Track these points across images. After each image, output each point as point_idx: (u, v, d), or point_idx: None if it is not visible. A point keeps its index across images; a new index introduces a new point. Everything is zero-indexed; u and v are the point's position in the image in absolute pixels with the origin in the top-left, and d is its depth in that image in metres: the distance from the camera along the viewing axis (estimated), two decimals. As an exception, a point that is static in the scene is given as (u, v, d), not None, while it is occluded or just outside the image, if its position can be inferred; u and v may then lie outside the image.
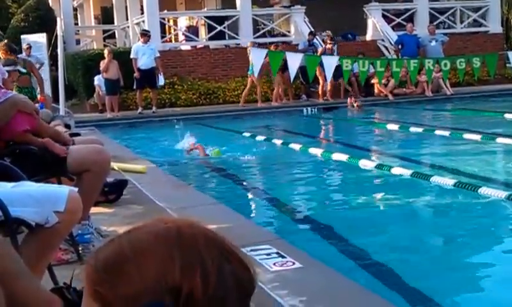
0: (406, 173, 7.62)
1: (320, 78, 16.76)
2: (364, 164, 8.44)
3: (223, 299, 0.91)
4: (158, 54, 15.97)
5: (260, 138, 11.81)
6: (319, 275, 3.57)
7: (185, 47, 19.41)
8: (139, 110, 15.93)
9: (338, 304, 3.10)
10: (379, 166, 8.23)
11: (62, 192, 2.83)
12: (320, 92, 17.24)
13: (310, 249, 4.25)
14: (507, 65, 18.45)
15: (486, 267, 4.62)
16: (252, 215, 5.82)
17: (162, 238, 0.93)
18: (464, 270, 4.58)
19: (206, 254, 0.92)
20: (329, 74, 16.07)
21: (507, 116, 13.52)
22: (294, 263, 3.71)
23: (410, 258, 4.75)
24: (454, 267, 4.65)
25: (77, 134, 5.55)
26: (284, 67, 16.30)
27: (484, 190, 6.40)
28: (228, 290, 0.91)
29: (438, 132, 11.46)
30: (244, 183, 7.76)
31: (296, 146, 10.37)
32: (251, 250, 4.01)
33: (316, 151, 9.74)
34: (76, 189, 2.99)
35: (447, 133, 11.28)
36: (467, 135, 10.70)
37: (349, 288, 3.36)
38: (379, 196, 6.65)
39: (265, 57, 15.94)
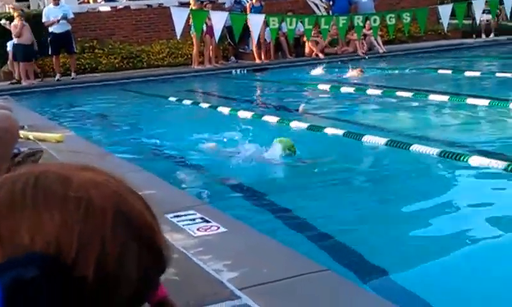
0: (338, 132, 7.72)
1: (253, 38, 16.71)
2: (295, 125, 8.49)
3: (117, 285, 0.85)
4: (72, 16, 15.52)
5: (186, 102, 11.72)
6: (243, 238, 3.57)
7: (105, 8, 18.91)
8: (57, 76, 15.52)
9: (263, 266, 3.10)
10: (310, 127, 8.29)
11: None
12: (255, 53, 17.20)
13: (237, 213, 4.25)
14: (440, 21, 18.82)
15: (418, 222, 4.71)
16: (177, 181, 5.76)
17: (67, 204, 0.85)
18: (396, 226, 4.67)
19: (110, 234, 0.85)
20: (257, 33, 16.02)
21: (441, 72, 13.89)
22: (218, 228, 3.69)
23: (338, 216, 4.81)
24: (386, 224, 4.74)
25: (-18, 101, 5.32)
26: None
27: (416, 147, 6.55)
28: (126, 277, 0.86)
29: (370, 91, 11.64)
30: (169, 149, 7.68)
31: (224, 110, 10.34)
32: (175, 216, 3.97)
33: (246, 114, 9.74)
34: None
35: (379, 91, 11.46)
36: (399, 93, 10.91)
37: (275, 249, 3.37)
38: (309, 156, 6.68)
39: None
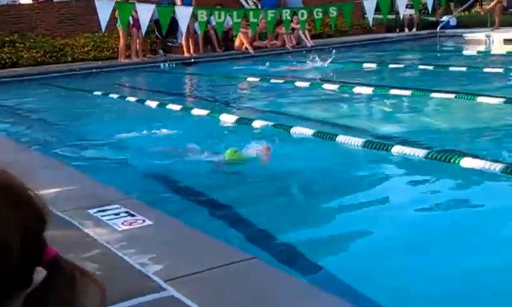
0: (267, 124, 7.76)
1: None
2: (225, 118, 8.48)
3: (5, 249, 0.88)
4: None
5: (113, 96, 11.54)
6: (169, 230, 3.54)
7: (26, 0, 18.38)
8: (-24, 72, 15.03)
9: (190, 258, 3.08)
10: (239, 120, 8.30)
11: None
12: (184, 47, 17.09)
13: (164, 207, 4.20)
14: (365, 15, 19.17)
15: (344, 211, 4.79)
16: (102, 176, 5.64)
17: None
18: (323, 215, 4.72)
19: None
20: (184, 26, 15.91)
21: (366, 65, 14.15)
22: (144, 221, 3.65)
23: (264, 206, 4.84)
24: (313, 213, 4.79)
25: None
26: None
27: (341, 139, 6.65)
28: (9, 238, 0.88)
29: (298, 84, 11.75)
30: (94, 144, 7.54)
31: (152, 103, 10.25)
32: (99, 211, 3.90)
33: (174, 108, 9.69)
34: None
35: (307, 84, 11.59)
36: (326, 86, 11.07)
37: (201, 240, 3.35)
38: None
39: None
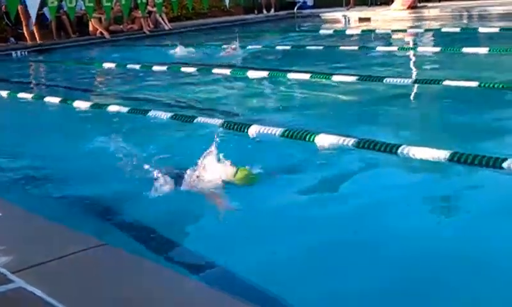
0: (123, 110, 7.70)
1: (22, 18, 15.98)
2: (79, 105, 8.33)
3: None
4: None
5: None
6: (17, 221, 3.45)
7: None
8: None
9: (39, 247, 3.02)
10: (95, 106, 8.19)
11: None
12: (26, 34, 16.48)
13: (11, 196, 4.08)
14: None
15: (204, 197, 4.83)
16: None
17: None
18: (183, 197, 4.74)
19: None
20: (34, 12, 15.35)
21: (224, 47, 14.28)
22: (-10, 213, 3.53)
23: (121, 190, 4.80)
24: (173, 195, 4.80)
25: None
26: None
27: (199, 120, 6.72)
28: None
29: (156, 68, 11.69)
30: None
31: (2, 93, 9.86)
32: None
33: (26, 96, 9.41)
34: None
35: (164, 68, 11.55)
36: (184, 69, 11.10)
37: (51, 229, 3.29)
38: (96, 135, 6.57)
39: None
